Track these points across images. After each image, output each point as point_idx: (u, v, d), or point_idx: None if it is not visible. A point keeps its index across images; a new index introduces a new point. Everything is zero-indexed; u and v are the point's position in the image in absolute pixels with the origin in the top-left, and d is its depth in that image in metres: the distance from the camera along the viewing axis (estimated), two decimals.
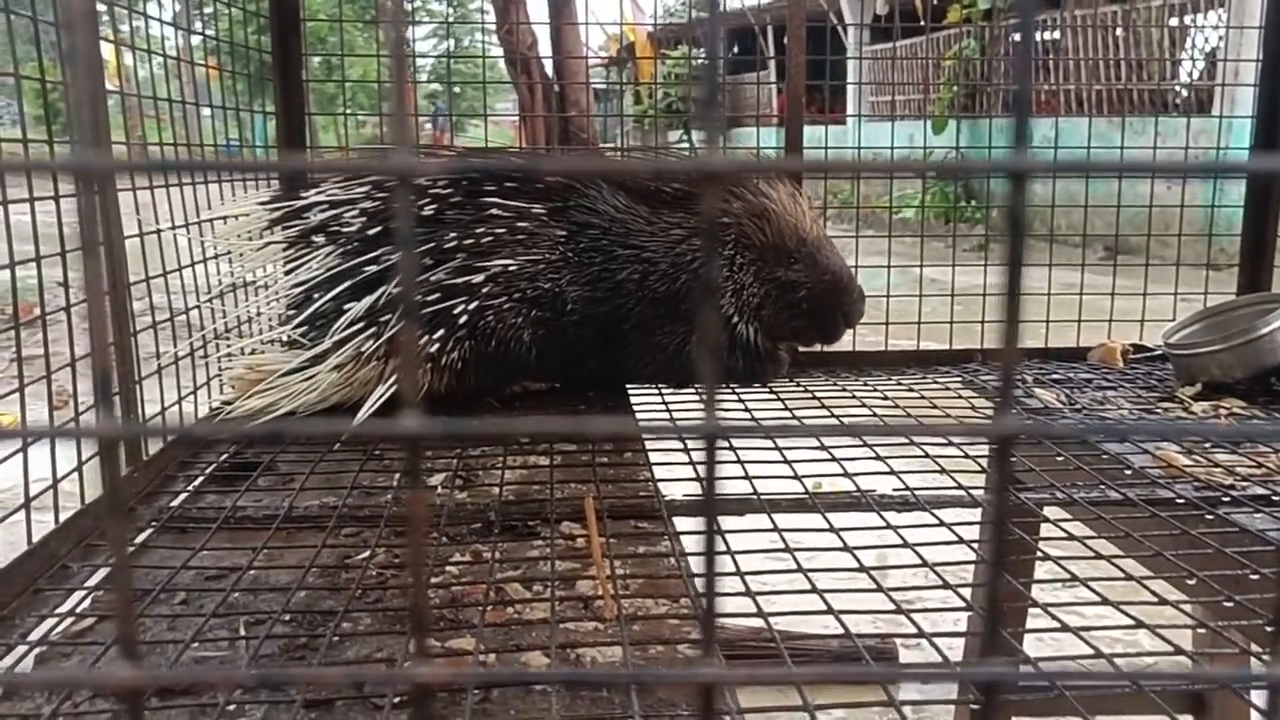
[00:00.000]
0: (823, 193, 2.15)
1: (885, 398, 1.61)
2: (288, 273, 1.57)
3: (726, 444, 1.37)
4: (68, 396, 1.17)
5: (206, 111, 1.74)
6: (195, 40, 1.75)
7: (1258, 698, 1.06)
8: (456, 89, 3.17)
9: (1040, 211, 2.37)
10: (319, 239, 1.56)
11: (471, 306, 1.56)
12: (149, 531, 1.15)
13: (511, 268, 1.59)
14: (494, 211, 1.59)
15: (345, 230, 1.56)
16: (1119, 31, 8.65)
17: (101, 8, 1.66)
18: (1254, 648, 0.91)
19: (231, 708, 0.78)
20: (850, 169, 0.46)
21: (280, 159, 1.72)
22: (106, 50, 1.57)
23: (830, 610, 0.89)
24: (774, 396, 1.63)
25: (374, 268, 1.53)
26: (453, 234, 1.56)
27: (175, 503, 1.23)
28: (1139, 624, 0.85)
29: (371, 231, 1.55)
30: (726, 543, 1.05)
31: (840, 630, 0.89)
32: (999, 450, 0.29)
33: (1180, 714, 1.78)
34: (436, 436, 0.24)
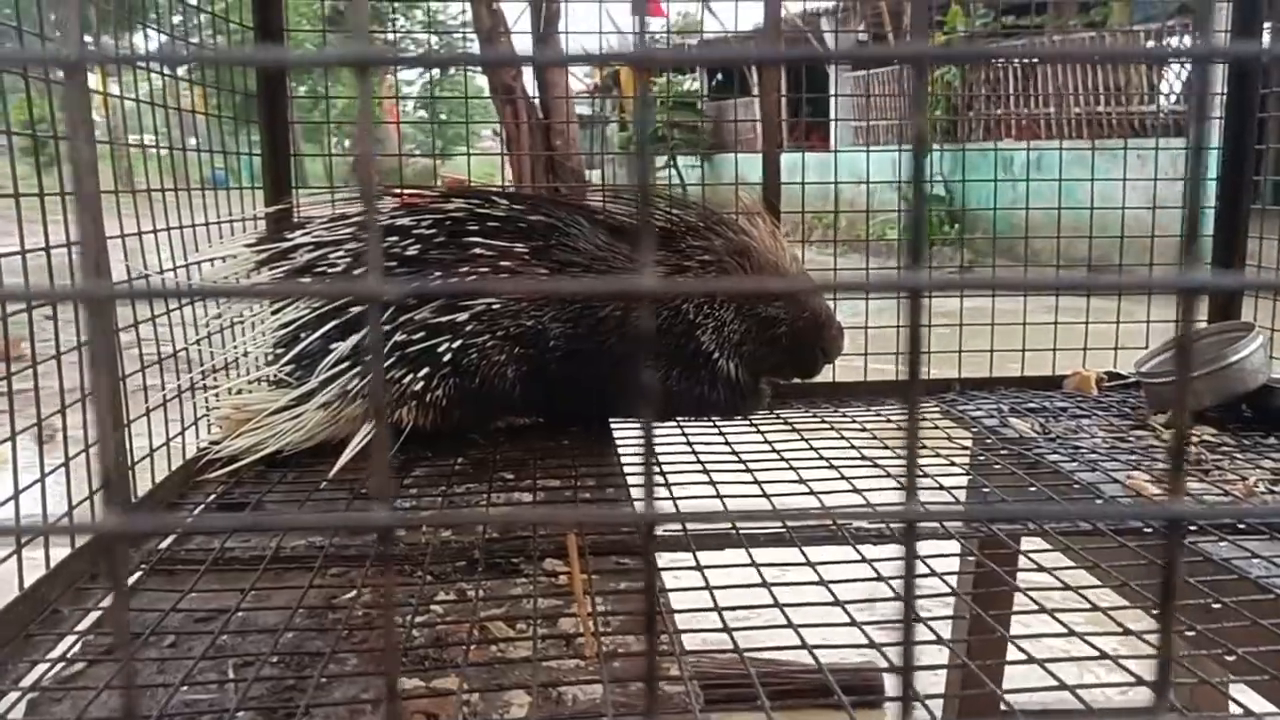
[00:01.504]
0: (802, 221, 2.19)
1: (864, 429, 1.64)
2: (274, 313, 1.59)
3: (706, 479, 1.40)
4: (53, 430, 1.19)
5: (192, 142, 1.76)
6: (182, 70, 1.77)
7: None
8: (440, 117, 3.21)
9: (1018, 239, 2.42)
10: (305, 280, 1.59)
11: (456, 344, 1.59)
12: (139, 574, 1.16)
13: (495, 306, 1.61)
14: (477, 251, 1.62)
15: (331, 271, 1.59)
16: (1095, 57, 8.74)
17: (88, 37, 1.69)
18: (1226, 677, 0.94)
19: None
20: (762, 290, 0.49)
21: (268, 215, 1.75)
22: (94, 80, 1.59)
23: (804, 645, 0.92)
24: (754, 430, 1.65)
25: (360, 307, 1.56)
26: (437, 273, 1.59)
27: (164, 544, 1.25)
28: (1103, 655, 0.88)
29: (357, 272, 1.58)
30: (705, 578, 1.08)
31: (823, 661, 0.92)
32: (906, 534, 0.32)
33: None
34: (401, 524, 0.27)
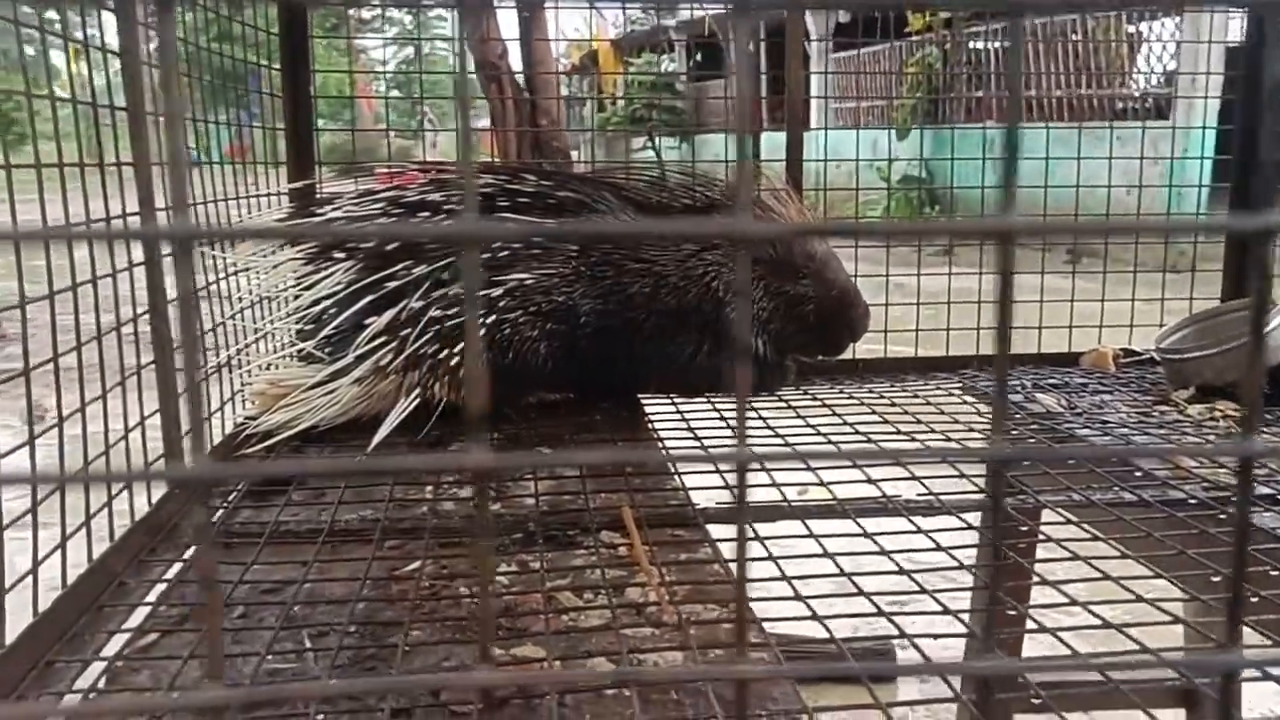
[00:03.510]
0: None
1: (893, 404, 1.65)
2: (306, 289, 1.59)
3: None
4: (42, 412, 1.17)
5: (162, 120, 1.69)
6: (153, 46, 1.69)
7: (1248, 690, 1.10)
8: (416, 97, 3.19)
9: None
10: (339, 254, 1.58)
11: (489, 320, 1.59)
12: (194, 547, 1.16)
13: (528, 281, 1.62)
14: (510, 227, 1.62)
15: (363, 245, 1.58)
16: (1075, 38, 8.81)
17: (54, 15, 1.63)
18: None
19: (320, 718, 0.81)
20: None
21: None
22: (61, 59, 1.54)
23: (881, 613, 0.93)
24: (785, 405, 1.67)
25: (393, 283, 1.56)
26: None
27: (214, 518, 1.24)
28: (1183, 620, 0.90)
29: (389, 247, 1.58)
30: (767, 549, 1.09)
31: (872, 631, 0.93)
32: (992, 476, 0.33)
33: (1174, 708, 1.84)
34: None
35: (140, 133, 1.16)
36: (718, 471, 1.34)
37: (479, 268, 0.29)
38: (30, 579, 0.92)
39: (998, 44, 9.79)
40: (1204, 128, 2.35)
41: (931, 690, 2.32)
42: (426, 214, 1.62)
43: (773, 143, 2.04)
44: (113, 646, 0.93)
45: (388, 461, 0.47)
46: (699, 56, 12.89)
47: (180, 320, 0.28)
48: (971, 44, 9.74)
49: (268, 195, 1.77)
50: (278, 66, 1.85)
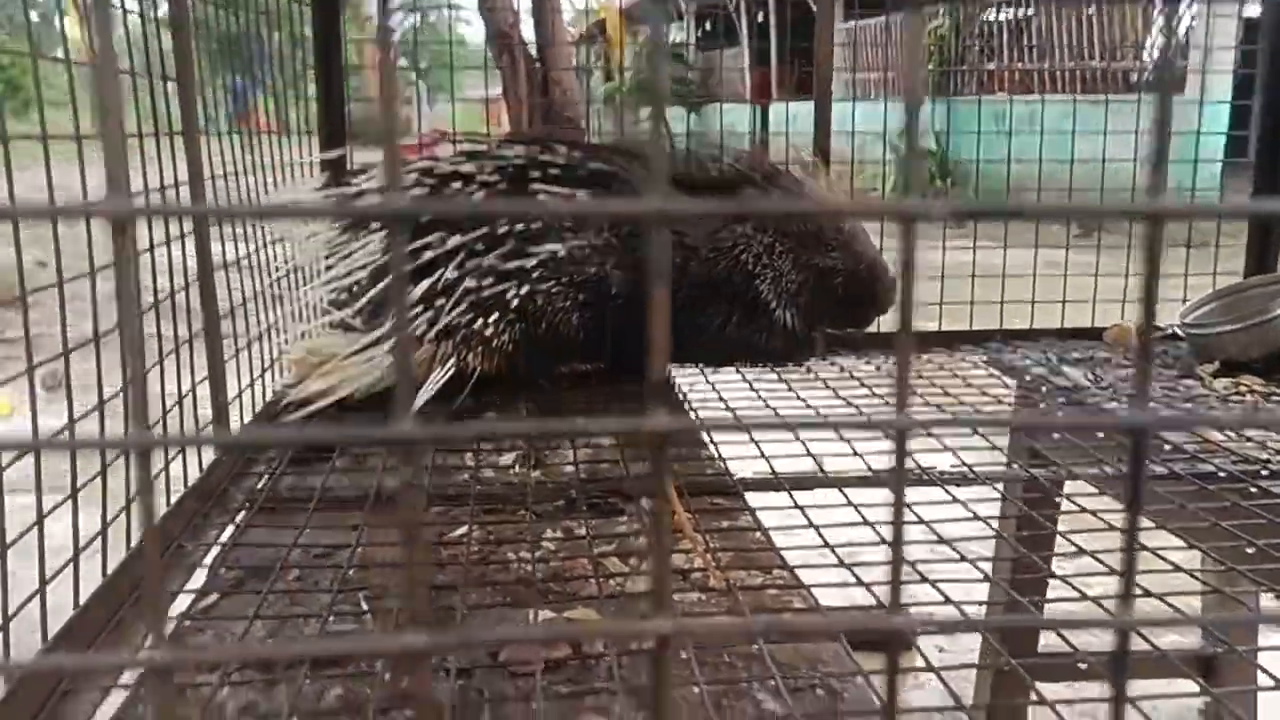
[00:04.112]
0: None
1: (921, 376, 1.67)
2: (344, 258, 1.60)
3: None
4: (58, 379, 1.18)
5: (171, 87, 1.65)
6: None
7: (1266, 659, 1.14)
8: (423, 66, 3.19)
9: (1023, 193, 2.45)
10: (374, 224, 1.60)
11: (523, 290, 1.61)
12: (243, 512, 1.19)
13: (560, 253, 1.63)
14: (541, 198, 1.64)
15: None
16: (1091, 10, 8.76)
17: None
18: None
19: (387, 676, 0.83)
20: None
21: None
22: (71, 25, 1.53)
23: (925, 579, 0.96)
24: (814, 377, 1.69)
25: (428, 253, 1.57)
26: (504, 220, 1.60)
27: (260, 484, 1.27)
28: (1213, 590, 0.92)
29: (424, 218, 1.59)
30: (808, 517, 1.11)
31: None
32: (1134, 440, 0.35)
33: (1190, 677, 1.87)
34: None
35: (190, 104, 1.18)
36: (753, 441, 1.37)
37: (669, 247, 0.30)
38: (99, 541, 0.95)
39: (1008, 15, 9.74)
40: (1231, 102, 2.35)
41: (949, 658, 2.35)
42: (459, 185, 1.64)
43: (782, 113, 2.04)
44: (177, 607, 0.96)
45: (562, 424, 0.49)
46: (707, 25, 12.84)
47: (393, 294, 0.30)
48: (983, 15, 9.68)
49: (304, 163, 1.78)
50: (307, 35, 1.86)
